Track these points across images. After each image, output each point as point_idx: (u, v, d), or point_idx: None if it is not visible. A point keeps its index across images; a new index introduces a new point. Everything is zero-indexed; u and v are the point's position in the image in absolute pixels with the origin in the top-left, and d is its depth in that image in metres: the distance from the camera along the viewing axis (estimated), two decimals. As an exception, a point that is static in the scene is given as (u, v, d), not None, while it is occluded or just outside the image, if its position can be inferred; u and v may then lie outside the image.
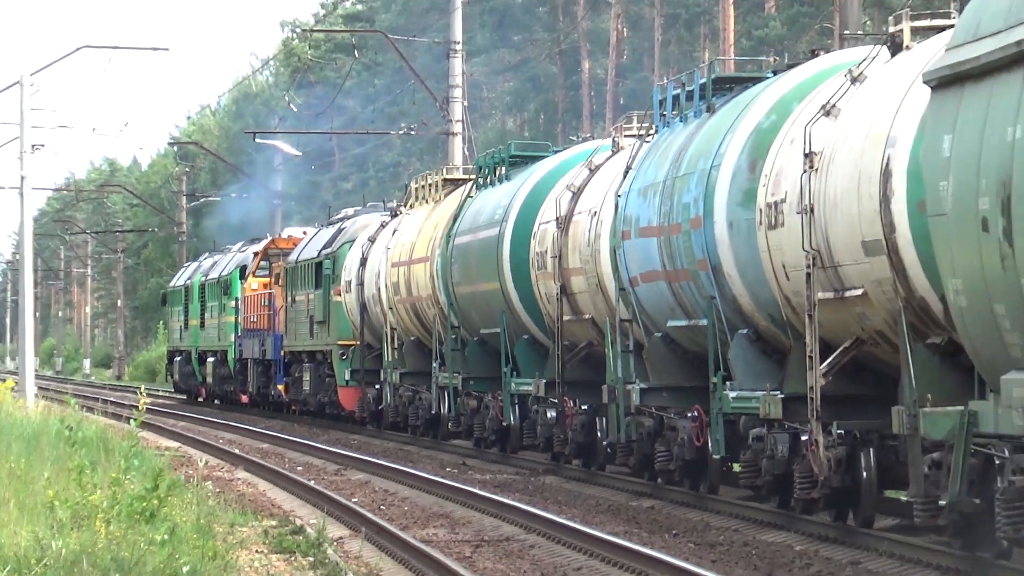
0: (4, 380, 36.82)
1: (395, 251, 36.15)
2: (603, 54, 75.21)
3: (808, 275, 14.63)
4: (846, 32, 19.78)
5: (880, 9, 41.02)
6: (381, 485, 26.44)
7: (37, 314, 69.29)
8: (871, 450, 15.02)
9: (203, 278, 59.88)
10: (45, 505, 13.10)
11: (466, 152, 40.87)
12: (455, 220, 31.15)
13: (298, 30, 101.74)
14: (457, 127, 41.72)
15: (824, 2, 46.94)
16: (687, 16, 68.34)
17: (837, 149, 14.34)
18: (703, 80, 20.39)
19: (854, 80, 14.83)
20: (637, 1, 61.45)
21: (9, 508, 13.47)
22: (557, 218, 24.56)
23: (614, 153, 24.38)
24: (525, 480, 25.56)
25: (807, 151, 14.56)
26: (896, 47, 14.81)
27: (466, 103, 44.34)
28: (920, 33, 14.54)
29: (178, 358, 66.27)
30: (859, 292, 14.00)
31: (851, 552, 15.69)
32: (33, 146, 38.55)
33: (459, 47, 42.59)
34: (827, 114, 14.77)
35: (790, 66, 20.42)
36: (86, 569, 9.75)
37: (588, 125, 65.77)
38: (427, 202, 36.08)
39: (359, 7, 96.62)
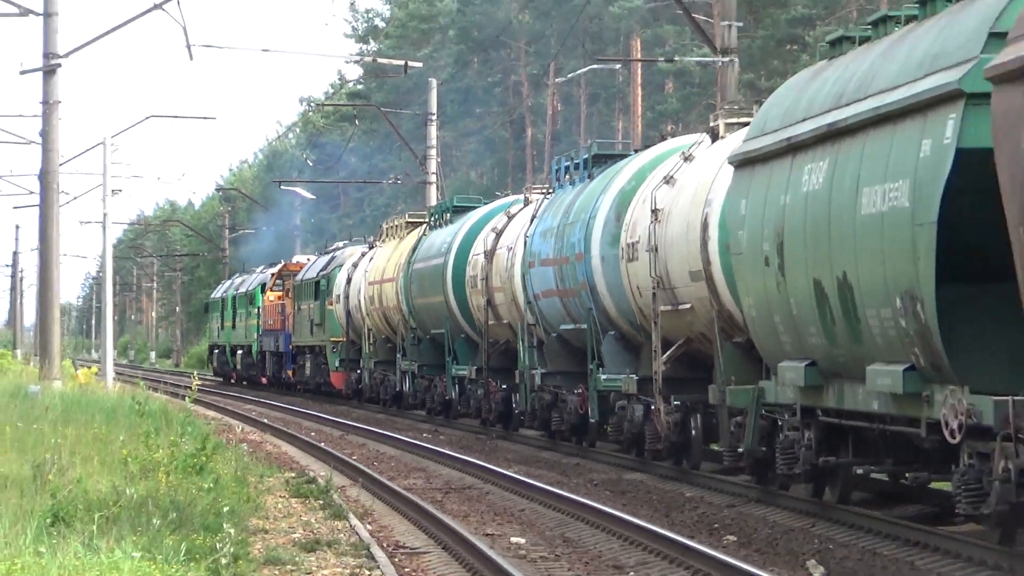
0: (90, 367, 35.77)
1: (371, 273, 34.98)
2: (543, 123, 73.73)
3: (654, 294, 14.76)
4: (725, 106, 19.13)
5: (751, 89, 40.46)
6: (374, 447, 25.07)
7: (115, 317, 66.28)
8: (698, 415, 15.18)
9: (235, 292, 58.03)
10: (120, 461, 12.62)
11: (439, 196, 40.05)
12: (414, 251, 30.27)
13: (312, 104, 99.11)
14: (432, 178, 40.56)
15: (709, 84, 46.16)
16: (605, 95, 66.99)
17: (673, 207, 14.38)
18: (586, 155, 20.12)
19: (686, 159, 14.88)
20: (568, 83, 60.11)
21: (93, 463, 12.77)
22: (485, 251, 24.20)
23: (525, 205, 23.59)
24: (481, 443, 24.51)
25: (653, 208, 14.62)
26: (715, 136, 14.90)
27: (439, 159, 42.99)
28: (731, 127, 14.59)
29: (216, 351, 63.95)
30: (688, 306, 14.16)
31: (689, 488, 15.53)
32: (113, 191, 37.36)
33: (434, 118, 41.68)
34: (667, 182, 14.85)
35: (646, 146, 20.54)
36: (151, 509, 9.02)
37: (531, 177, 64.60)
38: (394, 238, 34.68)
39: (359, 87, 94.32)
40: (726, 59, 22.29)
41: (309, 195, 65.68)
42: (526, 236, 21.69)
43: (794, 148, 10.12)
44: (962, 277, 8.25)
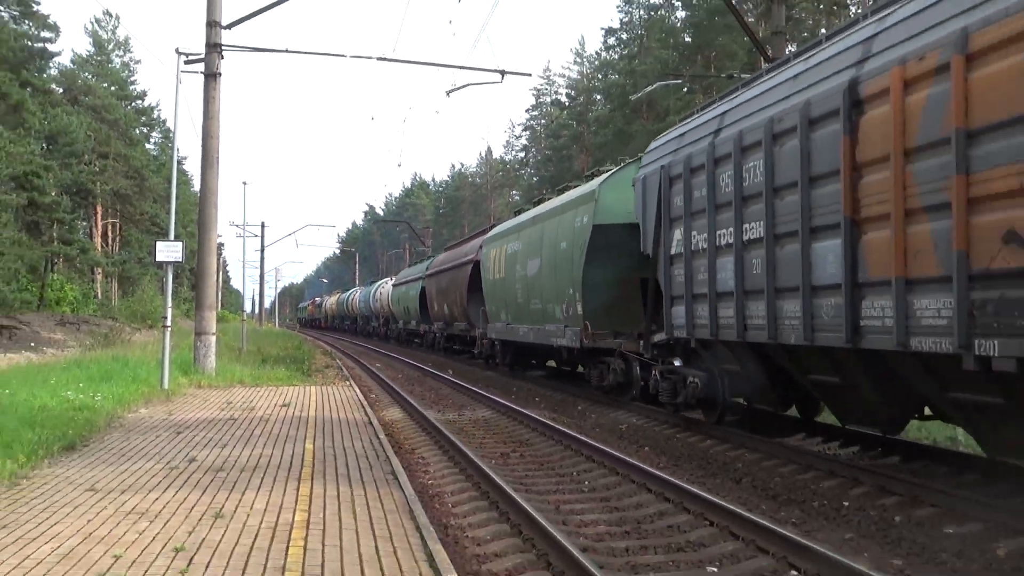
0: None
1: (385, 291, 56.29)
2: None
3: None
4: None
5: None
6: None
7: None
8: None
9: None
10: (287, 345, 33.47)
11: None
12: (395, 287, 51.33)
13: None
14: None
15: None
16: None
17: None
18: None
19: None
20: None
21: (277, 345, 33.73)
22: (387, 290, 45.64)
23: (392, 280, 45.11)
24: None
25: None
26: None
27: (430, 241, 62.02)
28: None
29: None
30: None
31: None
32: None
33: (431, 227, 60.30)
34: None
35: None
36: (290, 358, 29.70)
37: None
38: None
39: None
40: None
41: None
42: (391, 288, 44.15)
43: (507, 234, 30.21)
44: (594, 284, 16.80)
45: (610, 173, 17.71)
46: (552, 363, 25.39)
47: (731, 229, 11.05)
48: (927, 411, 9.98)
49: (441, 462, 11.58)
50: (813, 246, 9.32)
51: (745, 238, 10.73)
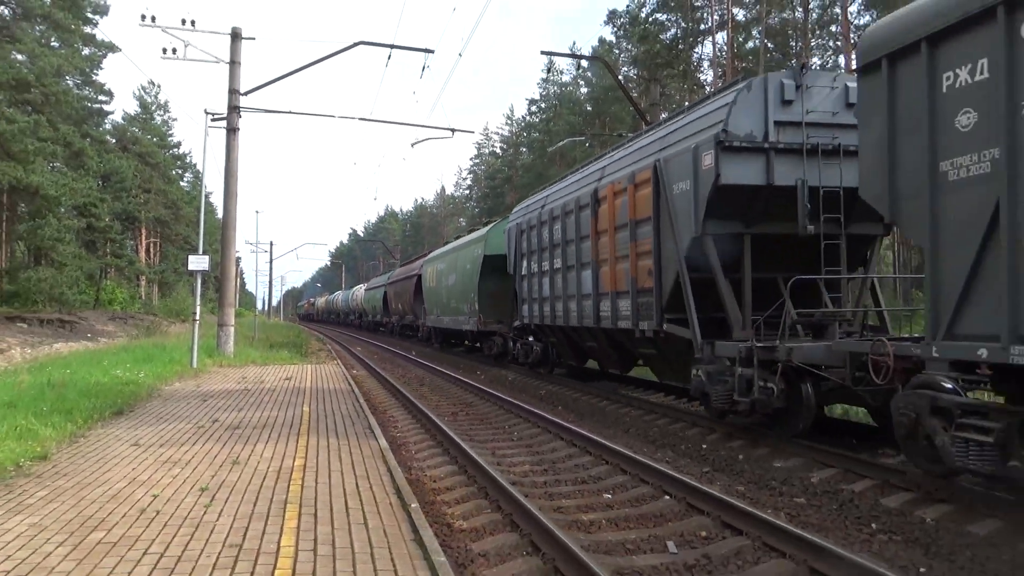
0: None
1: (359, 294, 56.34)
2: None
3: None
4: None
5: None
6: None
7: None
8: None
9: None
10: (290, 333, 32.59)
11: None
12: (366, 291, 51.40)
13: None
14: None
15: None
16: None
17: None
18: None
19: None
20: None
21: (281, 333, 32.96)
22: (360, 292, 44.73)
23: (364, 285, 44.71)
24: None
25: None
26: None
27: (399, 256, 62.46)
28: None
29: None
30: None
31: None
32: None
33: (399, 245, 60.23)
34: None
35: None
36: (292, 344, 29.21)
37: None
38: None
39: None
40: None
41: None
42: (364, 291, 42.82)
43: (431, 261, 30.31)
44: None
45: (494, 224, 21.48)
46: (467, 341, 27.80)
47: (548, 262, 14.87)
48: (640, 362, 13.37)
49: (407, 420, 11.45)
50: (581, 273, 13.23)
51: (555, 267, 14.52)
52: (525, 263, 16.20)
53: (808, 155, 8.94)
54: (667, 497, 6.58)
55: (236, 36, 20.49)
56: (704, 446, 8.86)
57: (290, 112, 25.33)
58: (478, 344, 24.15)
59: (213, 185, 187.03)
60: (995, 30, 5.40)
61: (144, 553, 4.48)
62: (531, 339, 17.35)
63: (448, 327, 25.02)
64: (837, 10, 35.22)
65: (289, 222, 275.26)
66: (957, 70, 5.75)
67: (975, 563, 4.94)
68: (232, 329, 20.92)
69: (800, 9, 41.01)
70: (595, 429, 10.30)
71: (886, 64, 6.38)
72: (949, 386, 5.98)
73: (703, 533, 5.64)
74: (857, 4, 33.60)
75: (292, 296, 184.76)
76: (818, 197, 8.87)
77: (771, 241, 9.28)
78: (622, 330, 11.58)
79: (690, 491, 6.43)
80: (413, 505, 5.60)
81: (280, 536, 4.83)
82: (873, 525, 5.77)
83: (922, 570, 4.88)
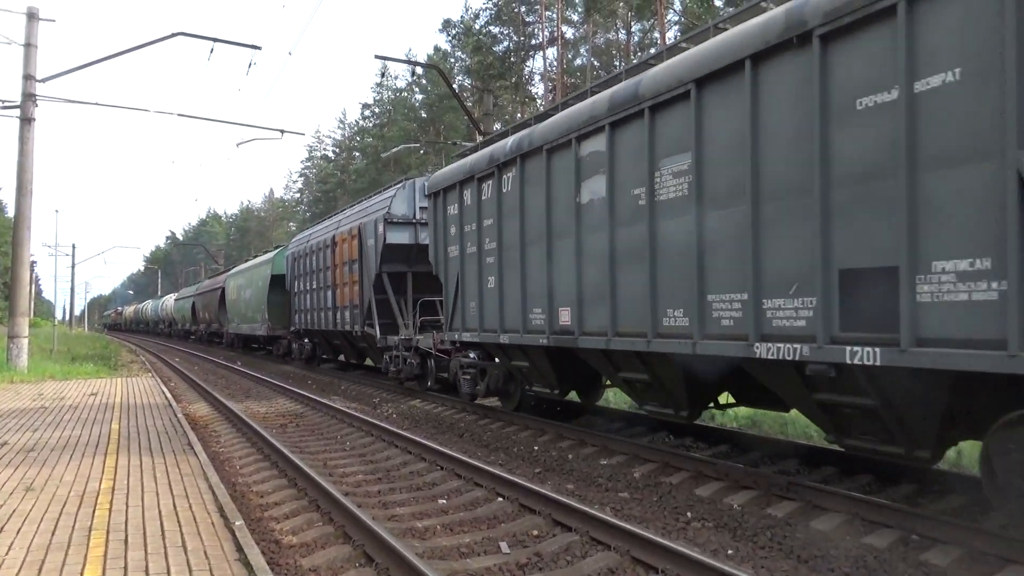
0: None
1: (168, 304, 53.44)
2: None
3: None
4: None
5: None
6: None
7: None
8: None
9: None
10: (97, 344, 29.79)
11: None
12: (176, 301, 49.07)
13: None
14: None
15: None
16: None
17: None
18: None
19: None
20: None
21: (85, 344, 29.84)
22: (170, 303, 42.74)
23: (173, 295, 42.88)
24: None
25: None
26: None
27: (222, 261, 59.15)
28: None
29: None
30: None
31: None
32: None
33: (223, 250, 57.61)
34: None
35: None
36: (99, 357, 26.57)
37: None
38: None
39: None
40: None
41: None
42: (174, 301, 40.88)
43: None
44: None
45: (280, 249, 25.57)
46: (261, 344, 31.75)
47: (310, 282, 20.29)
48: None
49: (231, 434, 10.83)
50: (327, 292, 18.84)
51: (314, 287, 20.04)
52: (297, 282, 21.89)
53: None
54: (500, 499, 6.70)
55: (32, 16, 18.50)
56: (536, 448, 9.11)
57: (97, 104, 23.12)
58: (268, 347, 28.84)
59: (3, 180, 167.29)
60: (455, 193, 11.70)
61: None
62: (305, 340, 22.46)
63: (247, 333, 28.73)
64: (656, 35, 37.69)
65: (97, 223, 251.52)
66: (451, 206, 11.67)
67: (774, 542, 5.45)
68: (26, 341, 18.81)
69: (624, 31, 43.45)
70: (430, 436, 10.29)
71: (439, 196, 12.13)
72: (472, 356, 12.08)
73: (535, 532, 5.80)
74: (674, 31, 36.15)
75: (99, 304, 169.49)
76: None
77: (424, 276, 14.84)
78: (349, 332, 17.59)
79: (522, 492, 6.59)
80: (238, 523, 5.31)
81: (84, 567, 4.40)
82: (688, 514, 6.20)
83: (729, 552, 5.31)
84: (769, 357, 5.82)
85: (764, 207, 5.95)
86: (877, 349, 4.97)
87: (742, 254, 6.14)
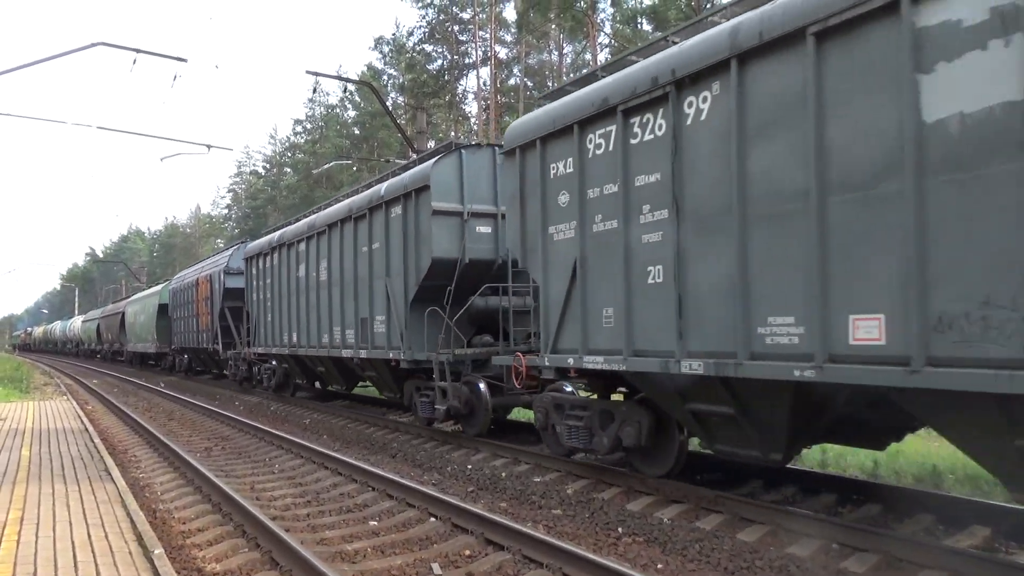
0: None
1: (76, 325, 51.09)
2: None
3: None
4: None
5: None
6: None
7: None
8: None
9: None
10: (11, 366, 28.16)
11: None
12: (83, 323, 47.44)
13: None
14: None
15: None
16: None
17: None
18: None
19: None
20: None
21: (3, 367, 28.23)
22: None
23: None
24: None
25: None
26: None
27: (144, 279, 57.48)
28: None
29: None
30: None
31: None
32: None
33: (146, 267, 56.00)
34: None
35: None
36: (8, 379, 25.23)
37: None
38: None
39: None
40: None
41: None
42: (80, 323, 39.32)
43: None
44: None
45: (165, 284, 30.41)
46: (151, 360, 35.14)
47: (186, 311, 24.69)
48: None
49: (152, 458, 10.39)
50: (194, 321, 23.52)
51: (186, 315, 24.64)
52: (176, 311, 26.92)
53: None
54: (433, 519, 6.63)
55: (-61, 21, 17.59)
56: (469, 467, 9.06)
57: (8, 114, 22.06)
58: (152, 361, 34.43)
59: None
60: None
61: None
62: (184, 356, 27.22)
63: (141, 351, 34.31)
64: (588, 56, 38.46)
65: (7, 240, 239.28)
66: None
67: (703, 554, 5.56)
68: (-73, 363, 17.68)
69: (556, 52, 44.17)
70: (362, 457, 10.11)
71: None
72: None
73: (467, 552, 5.75)
74: (605, 52, 36.95)
75: (10, 324, 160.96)
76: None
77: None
78: (207, 348, 23.02)
79: (455, 511, 6.54)
80: (157, 551, 5.10)
81: (-13, 603, 4.15)
82: (620, 529, 6.27)
83: (659, 566, 5.38)
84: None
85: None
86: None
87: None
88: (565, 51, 43.38)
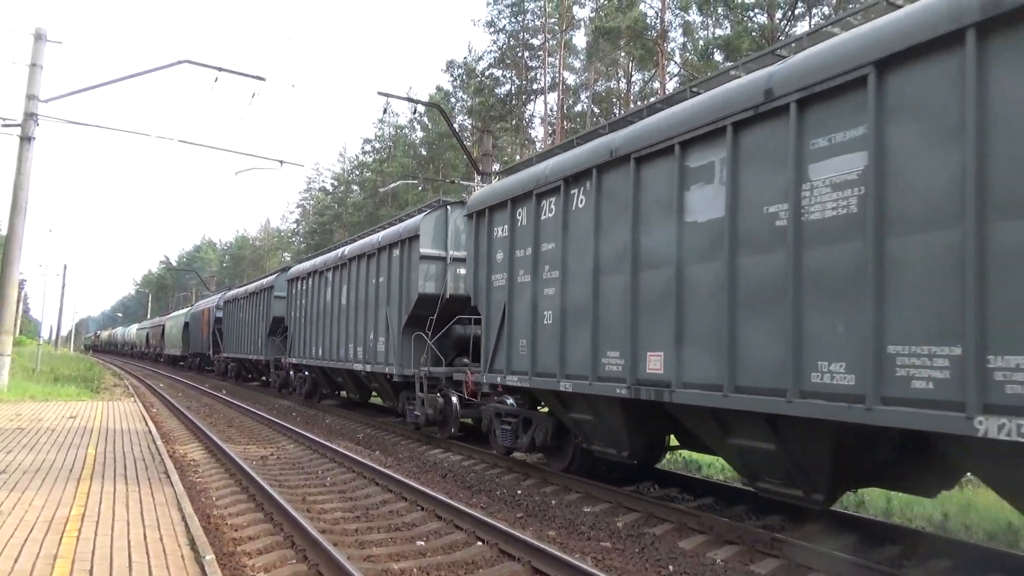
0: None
1: (132, 331, 54.15)
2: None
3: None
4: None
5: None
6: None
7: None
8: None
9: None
10: (81, 366, 29.04)
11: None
12: (137, 330, 51.85)
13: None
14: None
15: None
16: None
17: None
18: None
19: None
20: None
21: (70, 366, 29.15)
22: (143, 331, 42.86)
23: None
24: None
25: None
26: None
27: (214, 288, 59.24)
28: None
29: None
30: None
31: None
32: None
33: (216, 276, 58.19)
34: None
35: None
36: (81, 378, 26.23)
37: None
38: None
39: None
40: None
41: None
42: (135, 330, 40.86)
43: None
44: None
45: (190, 308, 35.69)
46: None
47: (197, 329, 34.81)
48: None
49: (210, 463, 10.63)
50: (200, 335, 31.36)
51: (197, 331, 35.56)
52: (191, 326, 36.02)
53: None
54: (480, 543, 6.57)
55: (40, 37, 18.71)
56: (519, 491, 8.98)
57: (98, 126, 23.33)
58: (182, 362, 42.12)
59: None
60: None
61: None
62: (198, 359, 35.97)
63: (174, 354, 42.87)
64: (656, 84, 38.33)
65: (90, 245, 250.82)
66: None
67: (757, 600, 5.34)
68: (8, 360, 18.59)
69: (624, 80, 44.14)
70: (412, 475, 10.13)
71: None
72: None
73: (513, 579, 5.67)
74: (674, 81, 36.77)
75: (86, 325, 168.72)
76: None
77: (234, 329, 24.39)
78: (206, 353, 32.14)
79: (502, 536, 6.47)
80: (208, 557, 5.17)
81: (45, 596, 4.27)
82: (671, 567, 6.09)
83: (711, 609, 5.19)
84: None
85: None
86: None
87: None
88: (634, 79, 43.34)
